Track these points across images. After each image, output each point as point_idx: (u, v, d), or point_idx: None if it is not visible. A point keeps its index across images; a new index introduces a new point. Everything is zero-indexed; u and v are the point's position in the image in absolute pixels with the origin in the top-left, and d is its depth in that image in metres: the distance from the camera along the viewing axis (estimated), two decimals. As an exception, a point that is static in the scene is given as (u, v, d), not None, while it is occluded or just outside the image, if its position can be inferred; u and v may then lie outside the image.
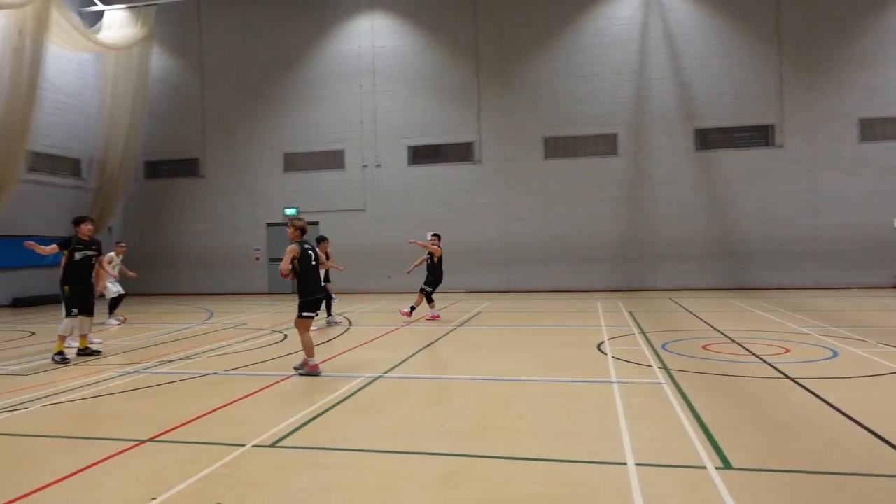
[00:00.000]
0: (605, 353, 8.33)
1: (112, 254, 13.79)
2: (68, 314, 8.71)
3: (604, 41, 19.81)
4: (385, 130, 20.99)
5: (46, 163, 20.14)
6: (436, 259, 12.98)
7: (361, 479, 4.03)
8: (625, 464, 4.17)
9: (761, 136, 18.98)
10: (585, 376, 7.06)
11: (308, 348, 7.42)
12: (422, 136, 20.80)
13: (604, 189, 19.73)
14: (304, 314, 7.55)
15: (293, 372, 7.48)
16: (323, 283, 11.86)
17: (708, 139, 19.27)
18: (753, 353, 8.04)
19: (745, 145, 19.07)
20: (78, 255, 8.82)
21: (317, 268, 7.72)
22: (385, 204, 20.98)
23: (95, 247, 9.08)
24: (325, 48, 21.43)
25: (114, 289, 13.36)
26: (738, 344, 8.84)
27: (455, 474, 4.10)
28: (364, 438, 4.86)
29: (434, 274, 12.93)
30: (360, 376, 7.15)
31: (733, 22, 19.05)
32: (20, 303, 18.15)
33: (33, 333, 12.04)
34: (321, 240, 12.48)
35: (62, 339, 8.68)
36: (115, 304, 13.61)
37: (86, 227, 8.99)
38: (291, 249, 7.49)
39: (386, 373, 7.40)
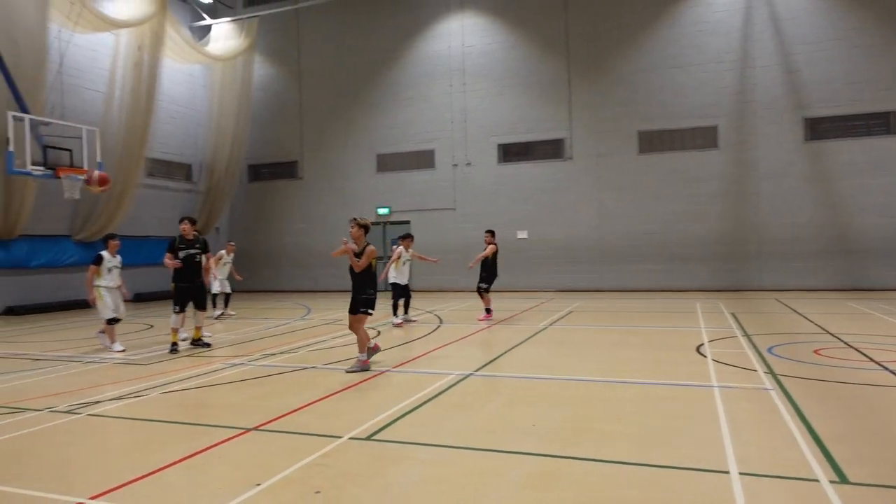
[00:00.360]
0: (705, 356, 7.97)
1: (223, 251, 14.75)
2: (174, 310, 9.40)
3: (703, 29, 18.91)
4: (475, 129, 21.08)
5: (162, 168, 21.73)
6: (490, 257, 12.69)
7: (453, 476, 4.08)
8: (727, 472, 3.97)
9: (881, 123, 17.44)
10: (684, 379, 6.78)
11: (362, 343, 7.68)
12: (511, 134, 20.72)
13: (703, 184, 18.85)
14: (362, 310, 7.76)
15: (389, 365, 7.68)
16: (406, 282, 12.29)
17: (819, 128, 17.95)
18: (873, 360, 7.43)
19: (861, 134, 17.60)
20: (181, 254, 9.37)
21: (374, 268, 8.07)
22: (475, 202, 21.07)
23: (199, 245, 9.54)
24: (416, 49, 21.79)
25: (216, 286, 14.22)
26: (855, 349, 8.19)
27: (546, 475, 4.06)
28: (455, 435, 4.92)
29: (488, 271, 12.68)
30: (451, 373, 7.22)
31: (847, 1, 17.64)
32: (141, 297, 19.66)
33: (152, 326, 13.03)
34: (406, 237, 12.71)
35: (174, 331, 9.37)
36: (226, 299, 14.57)
37: (183, 227, 9.52)
38: (372, 251, 7.79)
39: (477, 370, 7.44)
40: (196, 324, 9.74)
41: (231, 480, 4.08)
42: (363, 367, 7.59)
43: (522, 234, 20.47)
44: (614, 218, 19.65)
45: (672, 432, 4.88)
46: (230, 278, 15.15)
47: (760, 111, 18.34)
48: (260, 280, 23.32)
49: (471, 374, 7.25)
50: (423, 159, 21.78)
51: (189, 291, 9.47)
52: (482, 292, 12.61)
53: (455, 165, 21.34)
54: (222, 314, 14.40)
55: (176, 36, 20.35)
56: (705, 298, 15.99)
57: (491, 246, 12.79)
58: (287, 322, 13.16)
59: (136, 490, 3.92)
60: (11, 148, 13.52)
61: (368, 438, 4.86)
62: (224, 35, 22.73)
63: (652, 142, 19.40)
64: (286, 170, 23.78)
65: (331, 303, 17.54)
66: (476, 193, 21.09)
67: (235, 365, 8.23)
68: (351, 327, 7.86)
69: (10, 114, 13.79)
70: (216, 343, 10.25)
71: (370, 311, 7.82)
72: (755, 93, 18.40)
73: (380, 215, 22.09)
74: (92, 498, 3.79)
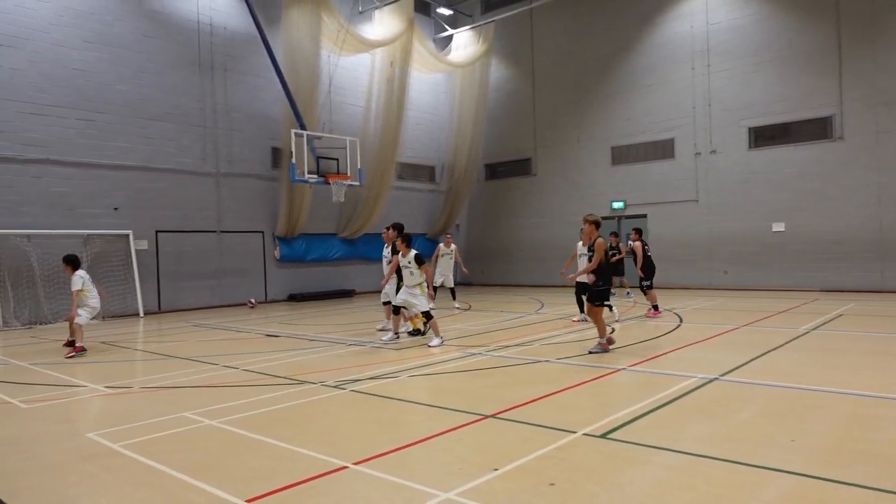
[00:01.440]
0: None
1: (440, 245, 15.72)
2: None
3: None
4: (721, 113, 19.35)
5: (410, 171, 23.78)
6: (641, 255, 12.68)
7: (695, 484, 3.81)
8: None
9: None
10: None
11: (602, 330, 8.37)
12: (764, 116, 18.58)
13: None
14: (598, 303, 8.35)
15: (626, 364, 7.47)
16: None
17: None
18: None
19: None
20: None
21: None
22: (721, 193, 19.35)
23: (390, 248, 11.01)
24: (653, 35, 20.70)
25: (438, 279, 15.03)
26: None
27: (806, 498, 3.59)
28: (698, 442, 4.59)
29: (646, 269, 12.74)
30: (693, 376, 6.76)
31: None
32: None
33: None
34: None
35: (410, 320, 10.59)
36: (452, 293, 15.64)
37: (384, 234, 11.18)
38: (600, 244, 8.06)
39: (723, 375, 6.85)
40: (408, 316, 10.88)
41: (470, 463, 4.32)
42: (603, 350, 8.30)
43: (778, 227, 18.26)
44: (900, 206, 16.54)
45: (984, 467, 3.96)
46: (456, 271, 15.92)
47: None
48: (496, 274, 24.28)
49: (716, 378, 6.70)
50: (662, 149, 20.62)
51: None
52: (647, 290, 12.67)
53: (698, 154, 19.83)
54: (458, 308, 15.23)
55: (422, 49, 22.11)
56: None
57: (637, 243, 12.69)
58: (521, 316, 13.49)
59: (387, 462, 4.37)
60: (293, 160, 15.97)
61: (603, 436, 4.77)
62: (464, 43, 24.06)
63: (955, 112, 15.88)
64: (520, 167, 24.36)
65: (564, 297, 17.52)
66: (722, 183, 19.35)
67: (473, 355, 8.68)
68: (589, 314, 8.58)
69: (293, 131, 16.27)
70: (454, 333, 10.90)
71: (604, 303, 8.40)
72: None
73: (614, 209, 21.48)
74: (354, 463, 4.32)
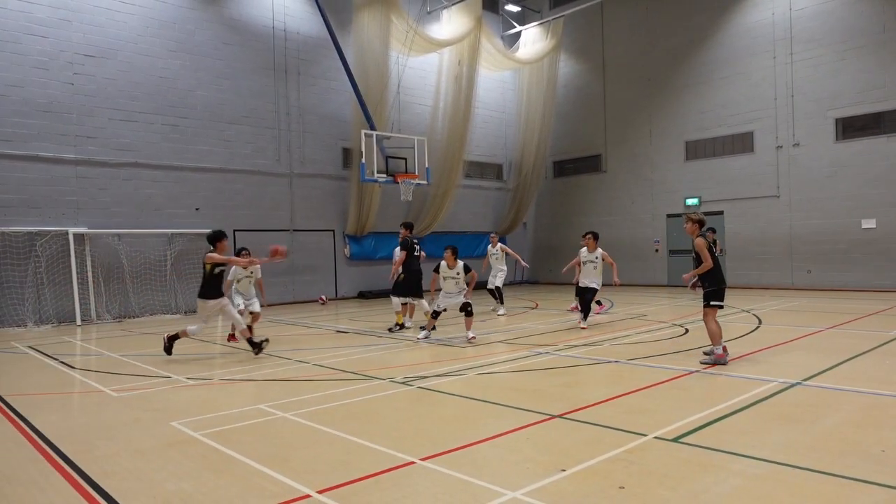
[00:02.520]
0: None
1: (489, 246, 14.82)
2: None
3: None
4: (805, 104, 18.34)
5: (477, 169, 23.78)
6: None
7: (775, 494, 3.64)
8: None
9: None
10: None
11: (715, 336, 7.43)
12: (854, 105, 17.47)
13: None
14: (713, 303, 7.57)
15: (699, 366, 7.22)
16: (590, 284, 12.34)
17: None
18: None
19: None
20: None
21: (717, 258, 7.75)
22: (805, 188, 18.35)
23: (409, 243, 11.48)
24: (730, 24, 19.85)
25: (495, 281, 14.21)
26: None
27: (902, 513, 3.36)
28: (778, 450, 4.37)
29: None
30: (772, 381, 6.45)
31: None
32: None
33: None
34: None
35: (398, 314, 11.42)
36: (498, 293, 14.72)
37: (402, 231, 11.70)
38: (699, 243, 7.52)
39: (806, 380, 6.51)
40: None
41: (537, 462, 4.28)
42: (717, 361, 7.35)
43: (868, 224, 17.14)
44: None
45: None
46: (511, 269, 14.90)
47: None
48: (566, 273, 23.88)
49: (798, 382, 6.37)
50: (740, 143, 19.76)
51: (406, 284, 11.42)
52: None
53: (779, 147, 18.88)
54: (501, 314, 13.89)
55: (490, 47, 22.05)
56: None
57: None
58: (590, 315, 13.24)
59: (454, 459, 4.39)
60: (363, 160, 16.28)
61: (676, 440, 4.63)
62: (532, 39, 23.82)
63: None
64: (590, 164, 23.91)
65: (635, 297, 17.09)
66: (806, 178, 18.35)
67: (541, 354, 8.60)
68: (704, 319, 7.68)
69: (363, 132, 16.59)
70: (521, 332, 10.83)
71: (718, 302, 7.60)
72: None
73: (688, 206, 20.75)
74: (422, 459, 4.36)
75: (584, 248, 11.99)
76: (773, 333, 9.86)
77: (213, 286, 8.97)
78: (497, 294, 14.17)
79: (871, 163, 17.14)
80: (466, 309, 9.95)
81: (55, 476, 4.29)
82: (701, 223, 7.71)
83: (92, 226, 14.78)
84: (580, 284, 11.77)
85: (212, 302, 8.97)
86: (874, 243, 17.06)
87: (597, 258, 11.79)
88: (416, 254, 11.59)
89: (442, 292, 10.34)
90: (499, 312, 13.74)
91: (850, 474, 3.90)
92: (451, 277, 10.25)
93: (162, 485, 4.06)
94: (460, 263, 10.21)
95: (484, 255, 15.44)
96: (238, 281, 10.64)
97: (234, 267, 10.23)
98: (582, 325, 11.22)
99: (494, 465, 4.26)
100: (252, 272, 10.65)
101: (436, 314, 10.25)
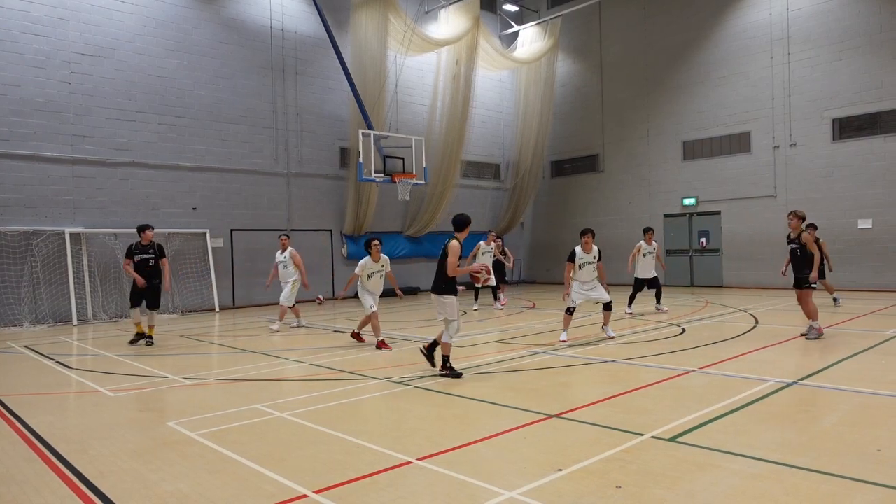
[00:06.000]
0: None
1: (481, 243, 14.94)
2: (130, 309, 10.75)
3: None
4: (802, 104, 18.36)
5: (474, 169, 23.76)
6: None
7: (771, 494, 3.64)
8: None
9: None
10: None
11: (815, 314, 8.99)
12: (851, 106, 17.50)
13: None
14: (806, 286, 8.97)
15: (695, 365, 7.23)
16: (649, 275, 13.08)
17: None
18: None
19: None
20: (136, 258, 10.34)
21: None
22: (802, 188, 18.37)
23: (153, 250, 10.46)
24: (728, 24, 19.87)
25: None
26: None
27: (898, 512, 3.37)
28: (774, 449, 4.38)
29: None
30: (769, 380, 6.46)
31: None
32: (469, 286, 21.80)
33: (464, 313, 14.36)
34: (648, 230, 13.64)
35: (136, 325, 10.58)
36: (493, 291, 15.11)
37: (146, 233, 10.45)
38: (806, 237, 8.93)
39: (802, 379, 6.52)
40: (149, 322, 10.47)
41: (534, 462, 4.28)
42: (818, 335, 8.96)
43: (865, 224, 17.17)
44: None
45: None
46: (498, 268, 15.21)
47: None
48: (562, 273, 23.87)
49: (794, 382, 6.38)
50: (737, 143, 19.78)
51: (142, 292, 10.33)
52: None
53: (776, 147, 18.91)
54: (500, 307, 14.85)
55: (488, 47, 22.04)
56: None
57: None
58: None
59: (451, 458, 4.39)
60: (361, 159, 16.27)
61: (672, 440, 4.63)
62: (530, 39, 23.82)
63: None
64: (587, 163, 23.92)
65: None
66: (803, 177, 18.37)
67: (537, 353, 8.60)
68: (799, 301, 9.22)
69: (361, 131, 16.58)
70: (518, 332, 10.83)
71: (811, 285, 8.99)
72: None
73: (685, 206, 20.78)
74: (419, 459, 4.36)
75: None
76: (770, 333, 9.88)
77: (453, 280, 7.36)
78: (494, 293, 14.90)
79: (868, 163, 17.17)
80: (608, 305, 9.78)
81: (51, 476, 4.27)
82: (804, 219, 9.03)
83: (88, 225, 14.75)
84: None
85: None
86: (871, 243, 17.09)
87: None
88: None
89: (576, 285, 9.73)
90: (496, 306, 14.55)
91: (846, 474, 3.91)
92: (588, 263, 9.72)
93: (158, 485, 4.05)
94: (596, 249, 9.78)
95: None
96: (369, 277, 9.59)
97: (363, 260, 9.48)
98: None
99: (491, 465, 4.26)
100: (383, 265, 9.65)
101: (569, 311, 9.64)
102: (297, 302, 12.55)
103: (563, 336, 9.55)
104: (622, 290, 17.88)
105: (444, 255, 7.21)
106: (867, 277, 16.99)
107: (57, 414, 6.09)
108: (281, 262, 12.21)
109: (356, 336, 9.95)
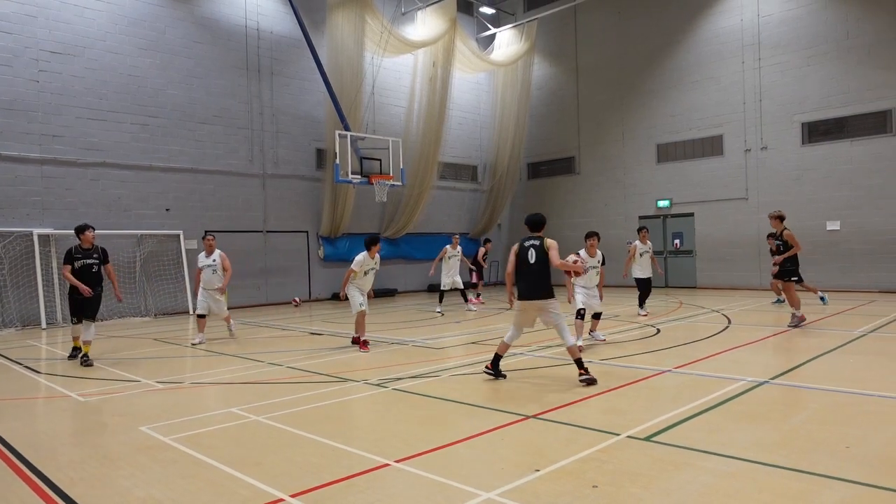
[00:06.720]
0: None
1: (447, 247, 15.00)
2: (71, 321, 9.20)
3: None
4: (772, 108, 18.74)
5: (451, 171, 23.79)
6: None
7: (745, 491, 3.71)
8: None
9: None
10: None
11: (797, 303, 10.19)
12: (819, 110, 17.91)
13: None
14: (794, 279, 10.27)
15: (670, 365, 7.32)
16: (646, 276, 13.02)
17: None
18: None
19: None
20: (77, 264, 8.99)
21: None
22: (772, 191, 18.74)
23: (97, 255, 9.16)
24: (701, 30, 20.20)
25: (446, 281, 14.74)
26: None
27: (866, 507, 3.45)
28: (747, 447, 4.45)
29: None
30: (741, 379, 6.57)
31: None
32: (435, 288, 21.83)
33: (443, 314, 14.36)
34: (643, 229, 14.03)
35: (74, 339, 9.20)
36: (462, 294, 15.14)
37: (86, 235, 9.10)
38: (788, 234, 10.28)
39: (773, 378, 6.64)
40: (84, 337, 8.93)
41: (512, 463, 4.30)
42: (799, 322, 10.15)
43: (833, 226, 17.58)
44: (967, 203, 15.70)
45: None
46: (463, 271, 15.37)
47: None
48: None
49: (766, 381, 6.50)
50: (709, 146, 20.11)
51: (81, 302, 8.94)
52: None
53: (748, 151, 19.27)
54: (472, 309, 14.76)
55: (465, 49, 22.10)
56: None
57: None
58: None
59: (429, 460, 4.38)
60: (337, 161, 16.18)
61: (647, 439, 4.69)
62: (506, 41, 23.94)
63: None
64: (564, 166, 24.11)
65: (606, 297, 17.22)
66: (773, 180, 18.75)
67: (515, 355, 8.63)
68: (784, 292, 10.41)
69: (337, 132, 16.49)
70: (492, 335, 10.86)
71: (794, 278, 10.32)
72: None
73: (659, 208, 21.06)
74: (397, 461, 4.35)
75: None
76: (742, 333, 10.05)
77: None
78: (464, 294, 15.24)
79: (836, 166, 17.58)
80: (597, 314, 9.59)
81: (19, 484, 4.17)
82: (783, 218, 10.48)
83: (58, 227, 14.42)
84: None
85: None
86: (838, 245, 17.49)
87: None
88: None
89: (580, 289, 9.22)
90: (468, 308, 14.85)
91: (817, 470, 3.99)
92: (591, 267, 9.23)
93: (131, 492, 3.98)
94: (600, 253, 9.49)
95: (467, 256, 16.19)
96: (365, 273, 9.49)
97: (361, 256, 9.32)
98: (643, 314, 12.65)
99: (469, 466, 4.26)
100: (377, 263, 9.56)
101: (580, 314, 9.03)
102: (270, 304, 12.39)
103: (601, 336, 9.65)
104: (614, 293, 18.06)
105: (542, 253, 6.78)
106: (835, 278, 17.37)
107: (25, 420, 5.94)
108: (209, 266, 10.73)
109: (358, 341, 9.61)
